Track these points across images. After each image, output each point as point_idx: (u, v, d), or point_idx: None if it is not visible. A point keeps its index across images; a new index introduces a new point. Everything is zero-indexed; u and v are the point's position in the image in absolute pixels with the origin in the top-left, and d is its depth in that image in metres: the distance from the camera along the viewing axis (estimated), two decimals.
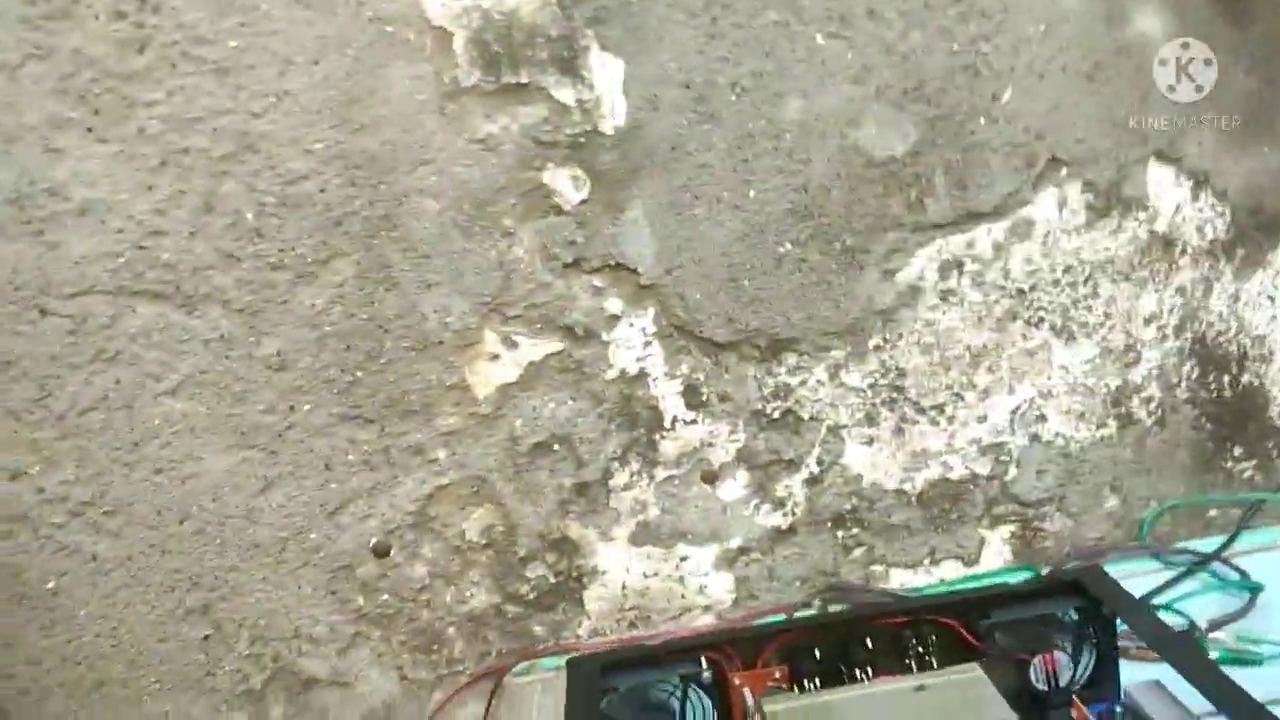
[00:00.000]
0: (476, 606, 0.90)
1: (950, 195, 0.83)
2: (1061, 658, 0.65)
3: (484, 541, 0.89)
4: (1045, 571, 0.85)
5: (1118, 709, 0.58)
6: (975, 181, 0.83)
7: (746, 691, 0.61)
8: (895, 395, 0.87)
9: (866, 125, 0.82)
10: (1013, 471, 0.89)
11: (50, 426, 0.83)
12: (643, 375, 0.86)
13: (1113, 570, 0.85)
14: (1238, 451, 0.90)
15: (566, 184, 0.82)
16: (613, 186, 0.82)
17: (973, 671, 0.57)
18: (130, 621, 0.88)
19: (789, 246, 0.84)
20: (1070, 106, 0.82)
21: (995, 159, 0.83)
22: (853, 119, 0.81)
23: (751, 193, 0.83)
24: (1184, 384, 0.88)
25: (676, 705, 0.66)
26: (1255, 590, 0.76)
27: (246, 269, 0.82)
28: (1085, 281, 0.85)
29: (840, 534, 0.90)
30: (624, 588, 0.90)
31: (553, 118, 0.80)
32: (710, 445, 0.87)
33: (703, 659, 0.66)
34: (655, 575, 0.90)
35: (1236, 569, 0.80)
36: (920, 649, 0.66)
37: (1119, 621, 0.62)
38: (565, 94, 0.79)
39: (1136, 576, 0.82)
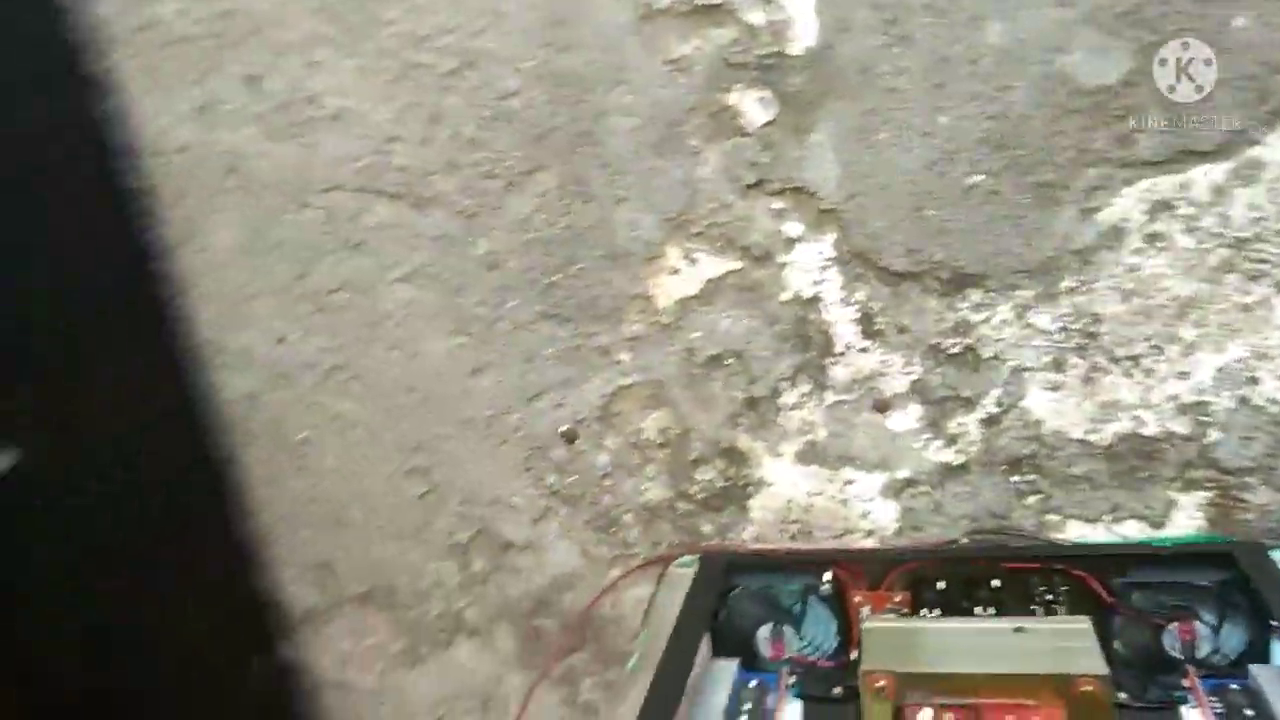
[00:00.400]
0: (651, 499, 0.97)
1: (1165, 131, 0.76)
2: (1202, 629, 0.62)
3: (660, 441, 0.95)
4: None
5: (1233, 685, 0.55)
6: (1195, 116, 0.75)
7: (864, 609, 0.64)
8: (1087, 342, 0.83)
9: (1074, 51, 0.77)
10: (1214, 435, 0.82)
11: (307, 301, 0.98)
12: (817, 299, 0.87)
13: None
14: None
15: (754, 105, 0.83)
16: (799, 109, 0.83)
17: (1079, 623, 0.56)
18: (364, 474, 1.03)
19: (980, 177, 0.81)
20: None
21: (1221, 92, 0.75)
22: (1059, 44, 0.77)
23: (943, 119, 0.81)
24: None
25: (799, 612, 0.70)
26: None
27: (466, 176, 0.91)
28: None
29: (1015, 478, 0.88)
30: (788, 501, 0.94)
31: (743, 39, 0.82)
32: (883, 375, 0.88)
33: (827, 574, 0.69)
34: (820, 494, 0.93)
35: None
36: (1049, 597, 0.65)
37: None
38: (756, 15, 0.81)
39: None
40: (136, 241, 0.96)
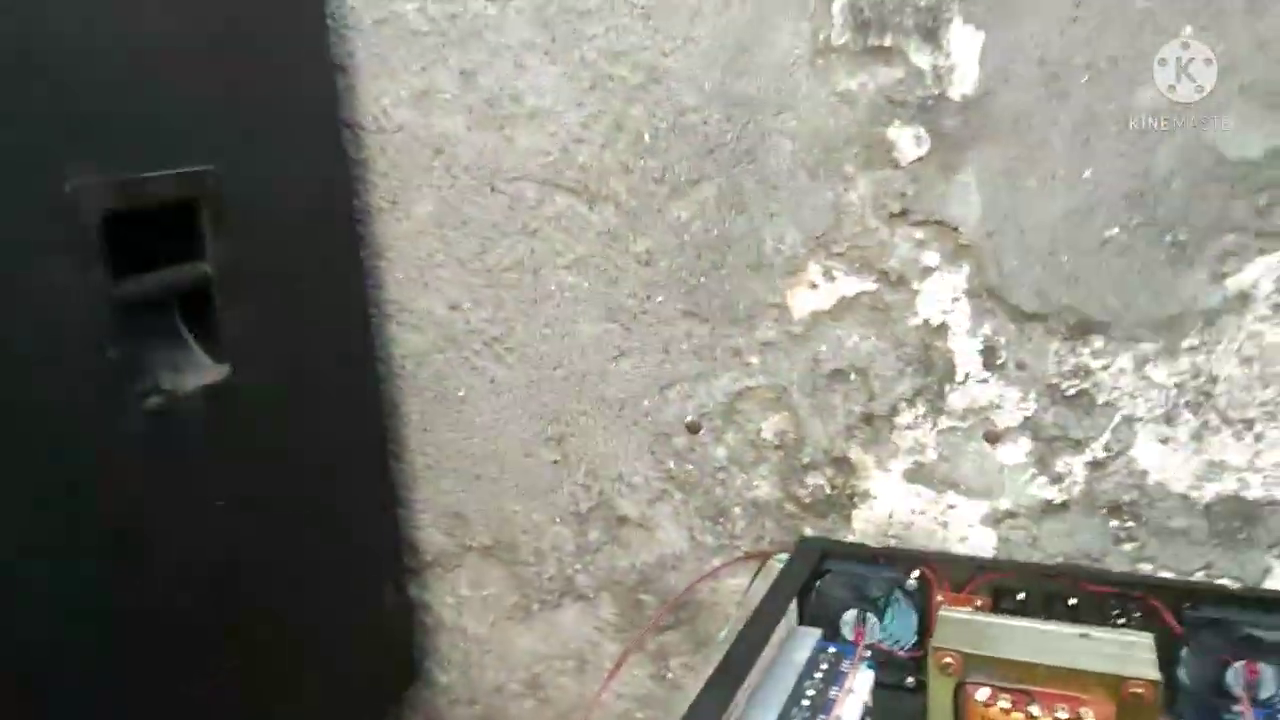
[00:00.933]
0: (760, 496, 1.05)
1: None
2: (1268, 670, 0.65)
3: (776, 443, 1.02)
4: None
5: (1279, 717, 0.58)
6: None
7: (943, 607, 0.70)
8: (1202, 400, 0.86)
9: (1224, 121, 0.81)
10: None
11: (481, 275, 1.10)
12: (944, 328, 0.93)
13: None
14: None
15: (909, 141, 0.91)
16: (950, 149, 0.89)
17: (1142, 637, 0.60)
18: (507, 435, 1.14)
19: (1116, 231, 0.86)
20: None
21: None
22: (1209, 114, 0.81)
23: (1088, 173, 0.86)
24: None
25: (884, 603, 0.76)
26: None
27: (636, 179, 1.01)
28: None
29: (1114, 524, 0.91)
30: (890, 516, 0.99)
31: (908, 80, 0.89)
32: (998, 407, 0.93)
33: (916, 570, 0.75)
34: (922, 514, 0.98)
35: None
36: (1121, 620, 0.69)
37: None
38: (923, 59, 0.88)
39: None
40: (349, 203, 1.10)
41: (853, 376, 0.98)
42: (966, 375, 0.93)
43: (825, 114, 0.93)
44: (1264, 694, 0.63)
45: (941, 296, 0.93)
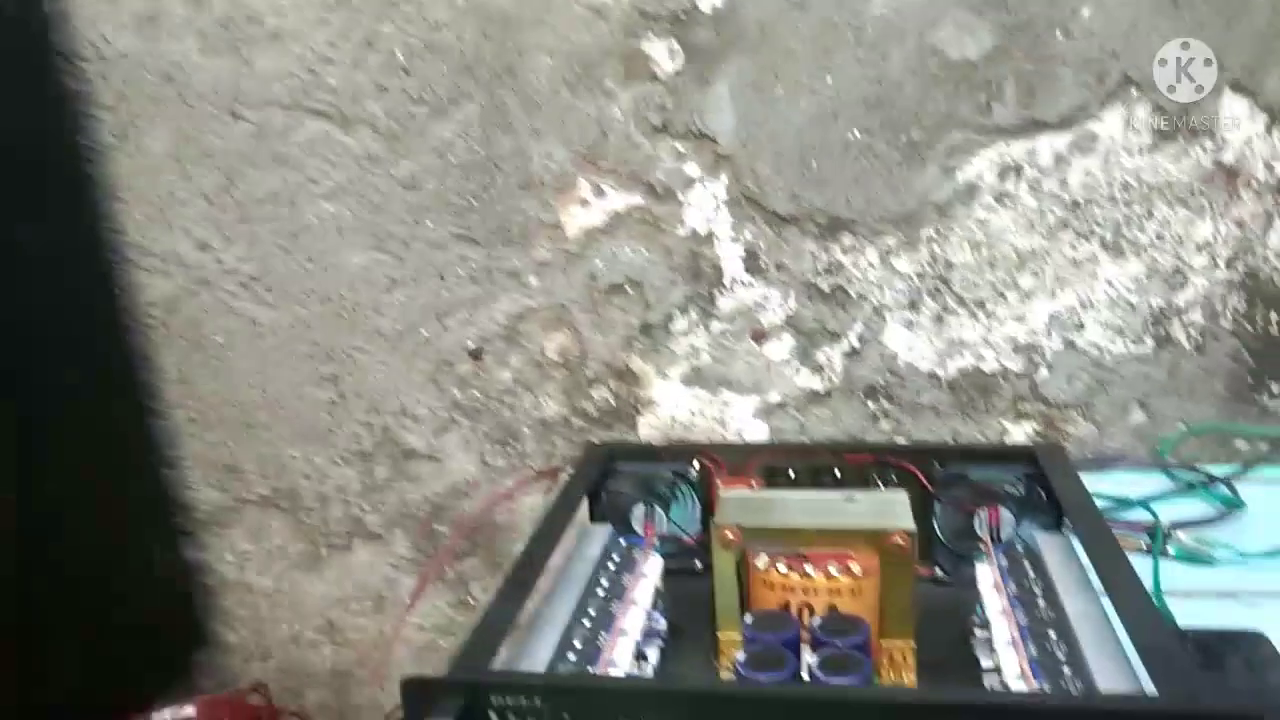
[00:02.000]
0: (548, 415, 1.06)
1: (1018, 103, 0.88)
2: (1006, 515, 0.73)
3: (560, 361, 1.03)
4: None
5: (1018, 547, 0.66)
6: (1044, 92, 0.87)
7: (721, 490, 0.73)
8: (940, 285, 0.94)
9: (945, 27, 0.87)
10: (1044, 373, 0.94)
11: (232, 211, 1.03)
12: (710, 236, 0.97)
13: (1118, 478, 0.91)
14: (1276, 389, 0.91)
15: (664, 55, 0.92)
16: (705, 61, 0.92)
17: (898, 495, 0.66)
18: (276, 379, 1.09)
19: (858, 134, 0.92)
20: (1148, 28, 0.85)
21: (1067, 72, 0.86)
22: (932, 20, 0.87)
23: (829, 79, 0.91)
24: (1229, 314, 0.90)
25: (668, 496, 0.79)
26: (1235, 506, 0.80)
27: (392, 100, 0.98)
28: (1141, 201, 0.89)
29: (871, 405, 0.99)
30: (672, 419, 1.03)
31: None
32: (762, 307, 0.98)
33: (695, 461, 0.78)
34: (700, 414, 1.02)
35: (1231, 488, 0.83)
36: (881, 485, 0.76)
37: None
38: None
39: (1138, 485, 0.87)
40: (73, 141, 1.00)
41: (629, 290, 1.00)
42: (733, 280, 0.98)
43: (581, 28, 0.93)
44: (1004, 535, 0.71)
45: (705, 207, 0.96)
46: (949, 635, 0.65)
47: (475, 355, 1.05)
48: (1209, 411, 0.93)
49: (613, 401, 1.04)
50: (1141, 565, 0.57)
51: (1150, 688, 0.46)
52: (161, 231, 1.05)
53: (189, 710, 1.01)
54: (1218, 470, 0.88)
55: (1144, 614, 0.52)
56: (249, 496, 1.14)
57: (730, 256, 0.97)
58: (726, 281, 0.97)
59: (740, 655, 0.54)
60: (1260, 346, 0.91)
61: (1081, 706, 0.43)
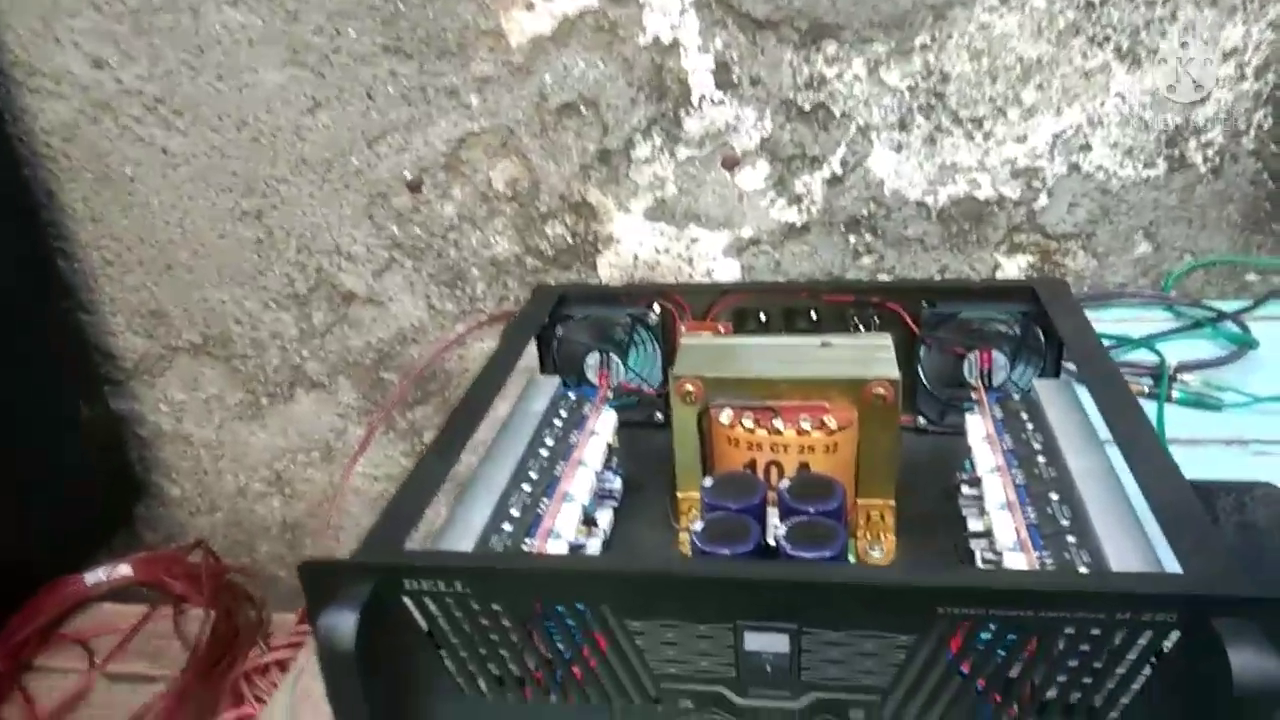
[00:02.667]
0: (499, 253, 0.96)
1: None
2: (999, 358, 0.65)
3: (509, 193, 0.93)
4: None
5: (1015, 396, 0.59)
6: None
7: (683, 336, 0.65)
8: (934, 101, 0.83)
9: None
10: (1043, 200, 0.85)
11: (126, 20, 0.90)
12: (675, 45, 0.85)
13: (1120, 314, 0.83)
14: None
15: None
16: None
17: (881, 339, 0.58)
18: (194, 215, 0.98)
19: None
20: None
21: None
22: None
23: None
24: (1252, 132, 0.80)
25: (626, 343, 0.71)
26: (1248, 345, 0.73)
27: None
28: (1164, 2, 0.77)
29: (853, 239, 0.89)
30: (635, 258, 0.94)
31: None
32: (735, 130, 0.87)
33: (656, 305, 0.70)
34: (666, 252, 0.93)
35: (1243, 326, 0.76)
36: (862, 327, 0.68)
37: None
38: None
39: (1142, 322, 0.79)
40: None
41: (584, 110, 0.88)
42: (701, 98, 0.86)
43: None
44: (997, 380, 0.64)
45: (669, 9, 0.83)
46: (933, 492, 0.58)
47: (413, 187, 0.94)
48: (1221, 242, 0.85)
49: (569, 239, 0.94)
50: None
51: (1171, 563, 0.40)
52: (50, 47, 0.92)
53: (125, 569, 0.96)
54: (1227, 306, 0.80)
55: (1162, 474, 0.45)
56: (178, 344, 1.05)
57: (699, 69, 0.85)
58: (694, 99, 0.86)
59: (697, 525, 0.47)
60: None
61: (1094, 590, 0.36)
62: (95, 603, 0.95)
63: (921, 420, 0.67)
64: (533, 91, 0.88)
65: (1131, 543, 0.43)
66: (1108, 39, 0.79)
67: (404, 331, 1.01)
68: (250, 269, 1.00)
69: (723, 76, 0.85)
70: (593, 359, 0.70)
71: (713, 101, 0.86)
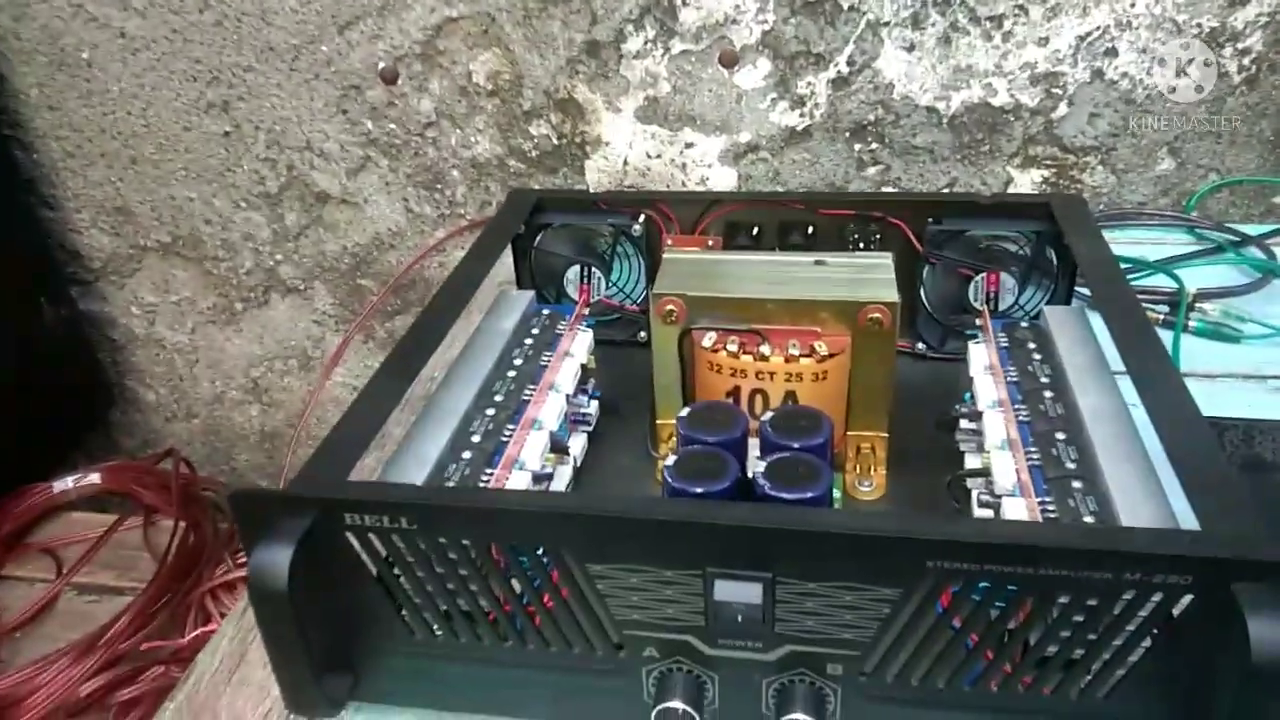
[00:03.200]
0: (480, 154, 0.90)
1: None
2: (1008, 281, 0.61)
3: (490, 88, 0.87)
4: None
5: (1023, 324, 0.55)
6: None
7: (667, 251, 0.60)
8: None
9: None
10: (1063, 109, 0.79)
11: None
12: None
13: (1137, 235, 0.78)
14: None
15: None
16: None
17: (880, 258, 0.54)
18: (158, 105, 0.92)
19: None
20: None
21: None
22: None
23: None
24: None
25: (609, 255, 0.66)
26: (1273, 273, 0.69)
27: None
28: None
29: (858, 147, 0.84)
30: (625, 163, 0.88)
31: None
32: (735, 22, 0.80)
33: (642, 215, 0.65)
34: (658, 157, 0.88)
35: (1269, 253, 0.71)
36: (862, 244, 0.63)
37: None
38: None
39: (1160, 245, 0.74)
40: None
41: None
42: None
43: None
44: (1004, 304, 0.60)
45: None
46: (929, 424, 0.54)
47: (388, 77, 0.88)
48: (1250, 161, 0.79)
49: (555, 139, 0.88)
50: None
51: (1188, 518, 0.36)
52: None
53: (94, 477, 0.93)
54: (1252, 230, 0.75)
55: (1183, 419, 0.40)
56: (147, 243, 1.01)
57: None
58: None
59: (670, 459, 0.43)
60: None
61: (1102, 548, 0.33)
62: (64, 511, 0.93)
63: (920, 346, 0.63)
64: None
65: (1144, 492, 0.39)
66: None
67: (381, 236, 0.96)
68: (218, 165, 0.94)
69: None
70: (572, 272, 0.66)
71: None
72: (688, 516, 0.36)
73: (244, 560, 0.84)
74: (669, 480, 0.42)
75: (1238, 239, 0.74)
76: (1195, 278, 0.69)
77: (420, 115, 0.89)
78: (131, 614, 0.74)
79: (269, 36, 0.86)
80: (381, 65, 0.87)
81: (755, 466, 0.43)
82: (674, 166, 0.88)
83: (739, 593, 0.36)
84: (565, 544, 0.37)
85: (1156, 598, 0.33)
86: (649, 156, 0.88)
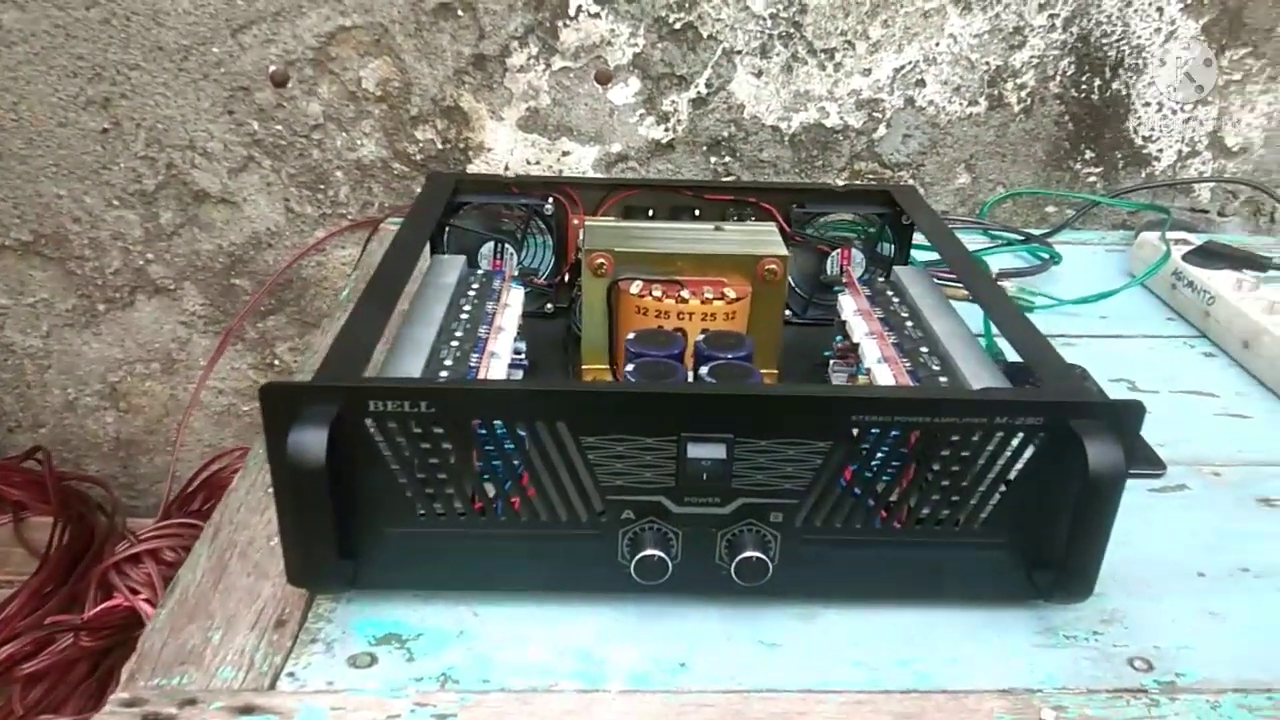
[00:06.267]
0: (365, 156, 0.96)
1: None
2: (857, 255, 0.73)
3: (379, 94, 0.93)
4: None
5: (880, 279, 0.67)
6: None
7: (582, 231, 0.68)
8: (792, 31, 0.91)
9: None
10: (882, 130, 0.95)
11: None
12: None
13: None
14: (1089, 155, 0.97)
15: None
16: None
17: (767, 226, 0.65)
18: (31, 99, 0.91)
19: None
20: None
21: None
22: None
23: None
24: (1059, 78, 0.93)
25: (520, 234, 0.74)
26: (1053, 260, 0.86)
27: None
28: None
29: (714, 159, 0.96)
30: (506, 169, 0.96)
31: None
32: (610, 44, 0.91)
33: (550, 198, 0.73)
34: (537, 164, 0.96)
35: (1049, 247, 0.89)
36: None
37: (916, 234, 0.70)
38: None
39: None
40: None
41: (460, 12, 0.90)
42: (579, 9, 0.90)
43: None
44: (858, 273, 0.72)
45: None
46: (804, 368, 0.66)
47: (278, 81, 0.92)
48: (1027, 176, 0.97)
49: (439, 144, 0.95)
50: (970, 312, 0.59)
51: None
52: None
53: None
54: (1034, 232, 0.92)
55: (1017, 323, 0.53)
56: (5, 242, 0.98)
57: None
58: (572, 10, 0.89)
59: (629, 367, 0.51)
60: (1081, 112, 0.95)
61: (982, 399, 0.44)
62: None
63: (787, 313, 0.75)
64: None
65: (994, 381, 0.51)
66: None
67: (259, 235, 0.99)
68: (93, 162, 0.94)
69: None
70: (487, 248, 0.73)
71: (589, 14, 0.90)
72: (667, 388, 0.44)
73: (149, 535, 0.84)
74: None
75: (1022, 238, 0.91)
76: (993, 265, 0.85)
77: (308, 118, 0.93)
78: (26, 594, 0.73)
79: (159, 36, 0.89)
80: (273, 69, 0.91)
81: (701, 374, 0.52)
82: (551, 173, 0.97)
83: (707, 451, 0.45)
84: (564, 418, 0.44)
85: (1018, 438, 0.44)
86: (528, 163, 0.96)
